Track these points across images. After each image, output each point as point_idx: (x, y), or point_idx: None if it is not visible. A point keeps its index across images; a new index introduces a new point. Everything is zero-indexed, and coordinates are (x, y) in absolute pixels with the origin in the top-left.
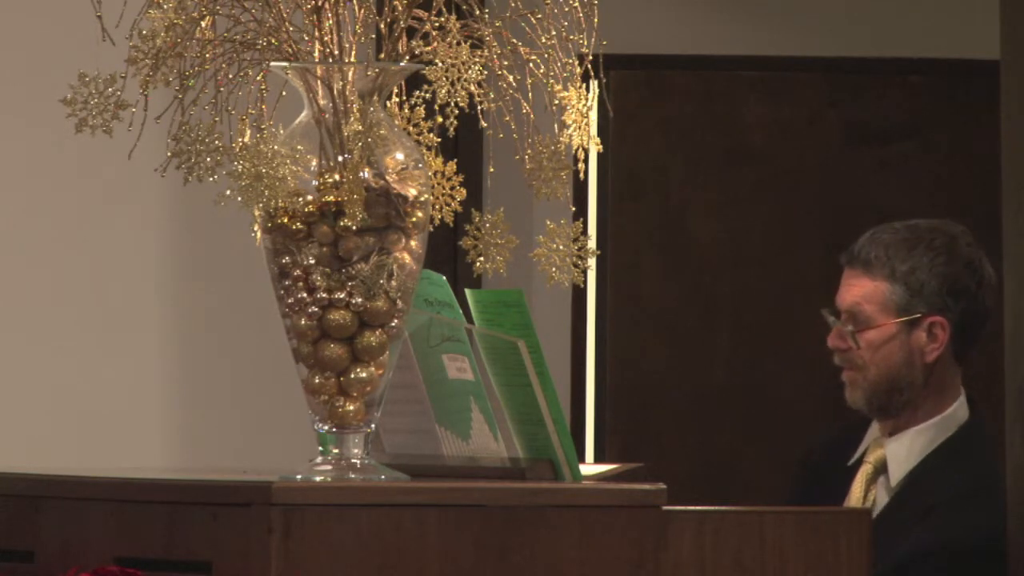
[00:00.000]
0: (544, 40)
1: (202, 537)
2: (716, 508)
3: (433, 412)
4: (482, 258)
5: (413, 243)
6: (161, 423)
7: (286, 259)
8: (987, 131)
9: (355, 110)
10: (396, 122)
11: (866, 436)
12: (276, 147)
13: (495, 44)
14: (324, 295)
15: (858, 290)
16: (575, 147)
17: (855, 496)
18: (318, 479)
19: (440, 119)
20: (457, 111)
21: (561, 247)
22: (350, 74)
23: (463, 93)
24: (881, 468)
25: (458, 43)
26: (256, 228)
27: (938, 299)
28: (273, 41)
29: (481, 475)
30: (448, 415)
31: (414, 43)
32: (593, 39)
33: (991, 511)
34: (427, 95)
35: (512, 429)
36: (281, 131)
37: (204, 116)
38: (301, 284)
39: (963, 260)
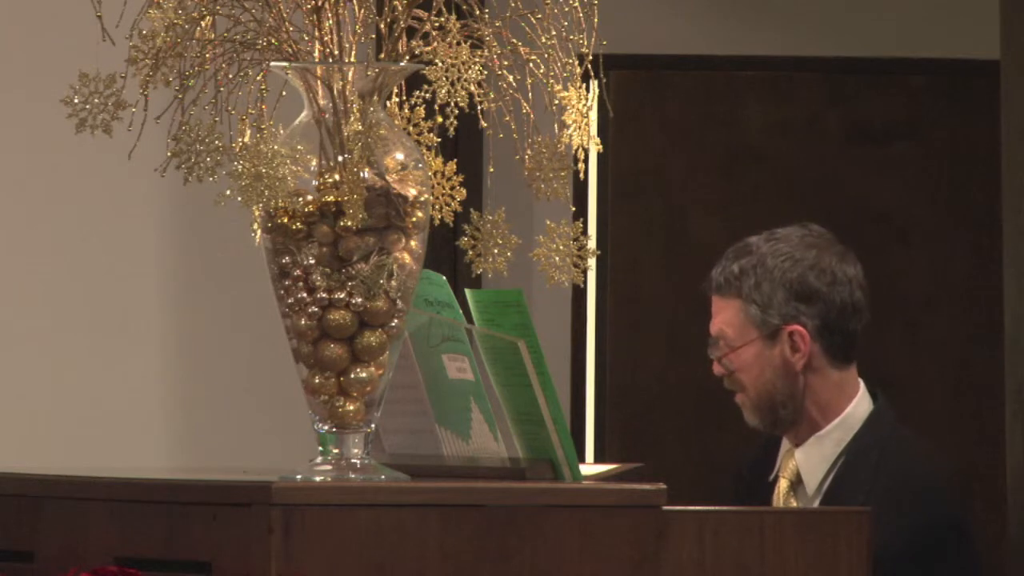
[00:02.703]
0: (544, 40)
1: (202, 537)
2: (716, 508)
3: (433, 412)
4: (481, 258)
5: (413, 243)
6: (161, 423)
7: (286, 259)
8: (987, 131)
9: (355, 110)
10: (396, 122)
11: (780, 450)
12: (276, 147)
13: (495, 44)
14: (324, 295)
15: (719, 316)
16: (575, 147)
17: None
18: (318, 479)
19: (440, 119)
20: (457, 111)
21: (561, 247)
22: (350, 74)
23: (463, 93)
24: (796, 480)
25: (458, 43)
26: (256, 228)
27: (789, 308)
28: (273, 41)
29: (481, 475)
30: (448, 415)
31: (414, 43)
32: (593, 39)
33: (919, 511)
34: (427, 95)
35: (512, 429)
36: (281, 131)
37: (204, 116)
38: (301, 284)
39: (807, 264)
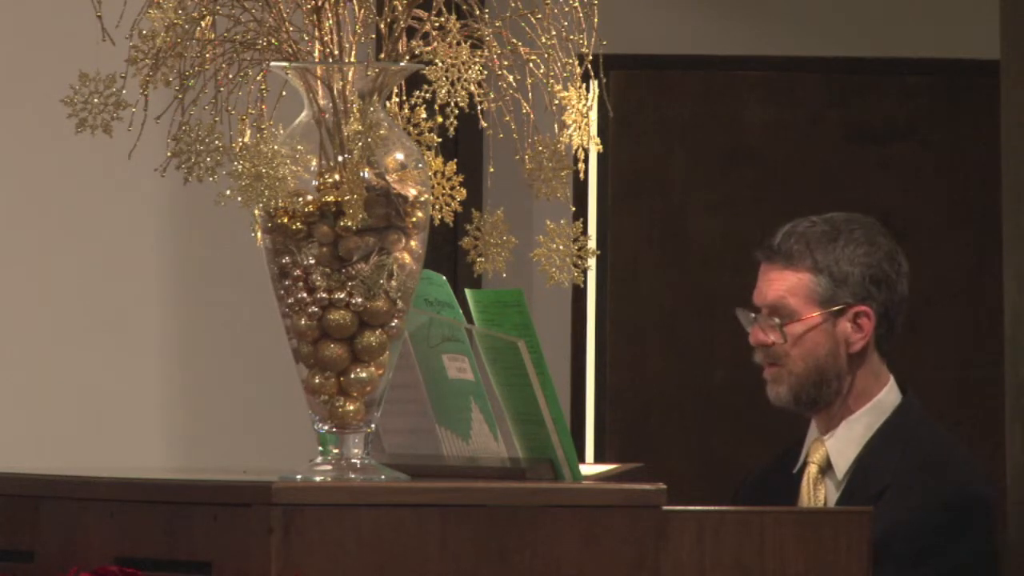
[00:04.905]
0: (544, 40)
1: (202, 537)
2: (716, 508)
3: (433, 412)
4: (482, 258)
5: (413, 243)
6: (161, 423)
7: (286, 259)
8: (987, 131)
9: (355, 110)
10: (396, 122)
11: (806, 441)
12: (276, 147)
13: (495, 44)
14: (324, 295)
15: (781, 284)
16: (575, 147)
17: (804, 499)
18: (318, 479)
19: (440, 119)
20: (457, 111)
21: (561, 247)
22: (350, 74)
23: (463, 93)
24: (826, 465)
25: (458, 43)
26: (256, 228)
27: (862, 289)
28: (273, 41)
29: (481, 475)
30: (448, 415)
31: (414, 43)
32: (593, 39)
33: (945, 483)
34: (427, 95)
35: (512, 429)
36: (281, 131)
37: (204, 116)
38: (301, 284)
39: (883, 250)
